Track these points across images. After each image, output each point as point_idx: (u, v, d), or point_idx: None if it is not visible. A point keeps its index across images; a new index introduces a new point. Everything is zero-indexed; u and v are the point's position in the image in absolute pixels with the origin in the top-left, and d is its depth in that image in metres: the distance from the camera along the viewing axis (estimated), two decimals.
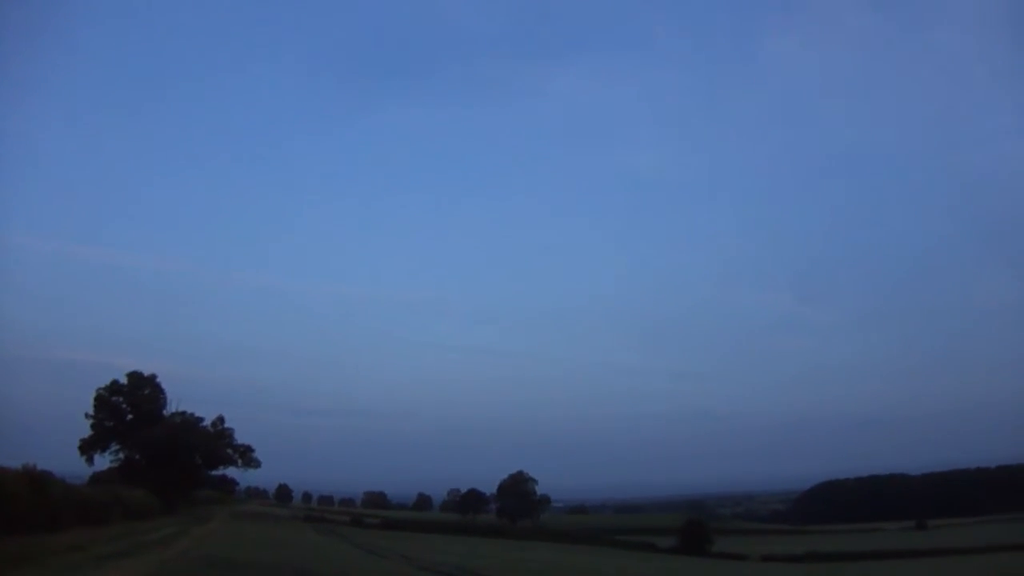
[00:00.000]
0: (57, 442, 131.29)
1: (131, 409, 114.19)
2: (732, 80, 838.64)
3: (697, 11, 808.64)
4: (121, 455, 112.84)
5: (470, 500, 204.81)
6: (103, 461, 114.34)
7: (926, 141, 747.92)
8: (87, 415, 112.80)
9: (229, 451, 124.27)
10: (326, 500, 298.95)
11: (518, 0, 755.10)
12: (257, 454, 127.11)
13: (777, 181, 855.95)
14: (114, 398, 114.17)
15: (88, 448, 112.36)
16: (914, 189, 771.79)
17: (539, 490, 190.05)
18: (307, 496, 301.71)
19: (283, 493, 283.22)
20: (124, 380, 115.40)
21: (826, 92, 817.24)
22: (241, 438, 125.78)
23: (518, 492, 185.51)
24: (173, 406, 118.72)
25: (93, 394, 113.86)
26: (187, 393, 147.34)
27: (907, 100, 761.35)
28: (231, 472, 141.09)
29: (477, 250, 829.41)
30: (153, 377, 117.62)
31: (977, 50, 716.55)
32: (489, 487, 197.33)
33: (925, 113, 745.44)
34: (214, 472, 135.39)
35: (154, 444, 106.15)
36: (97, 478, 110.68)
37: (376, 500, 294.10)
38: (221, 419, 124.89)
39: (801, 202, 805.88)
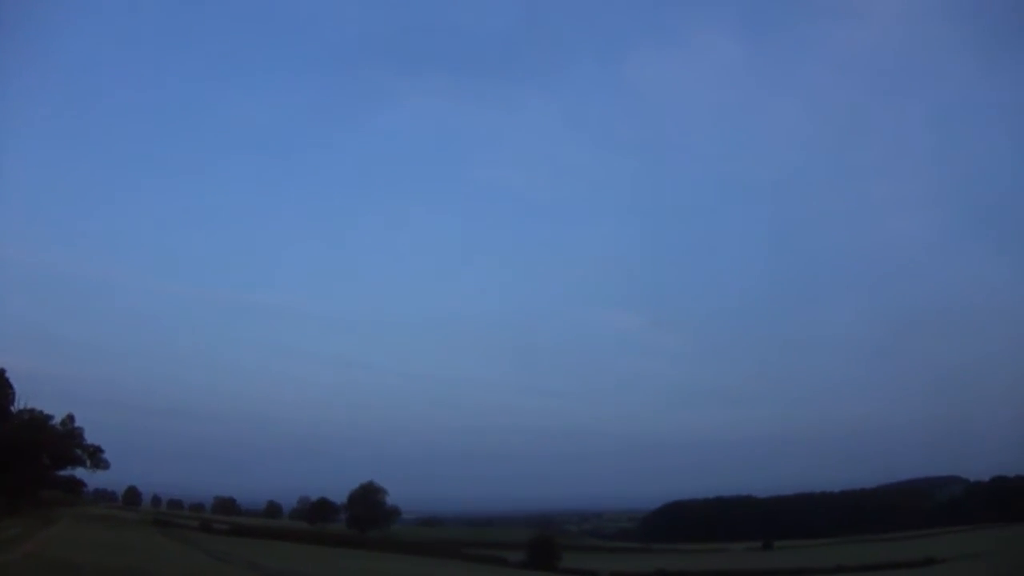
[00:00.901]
0: None
1: None
2: (600, 104, 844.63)
3: (565, 34, 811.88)
4: None
5: (320, 509, 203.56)
6: None
7: (787, 174, 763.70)
8: None
9: (78, 451, 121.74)
10: (176, 504, 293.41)
11: (386, 12, 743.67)
12: (107, 455, 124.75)
13: (641, 205, 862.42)
14: None
15: None
16: (768, 223, 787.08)
17: (390, 501, 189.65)
18: (156, 499, 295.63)
19: (132, 496, 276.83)
20: None
21: (695, 120, 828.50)
22: (91, 438, 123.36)
23: (368, 502, 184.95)
24: (21, 403, 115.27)
25: None
26: (36, 390, 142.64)
27: (773, 133, 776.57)
28: (79, 473, 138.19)
29: (337, 258, 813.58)
30: (1, 372, 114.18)
31: (844, 88, 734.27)
32: (340, 496, 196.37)
33: (789, 146, 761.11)
34: (62, 472, 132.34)
35: None
36: None
37: (226, 505, 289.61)
38: (71, 418, 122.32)
39: (663, 227, 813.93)
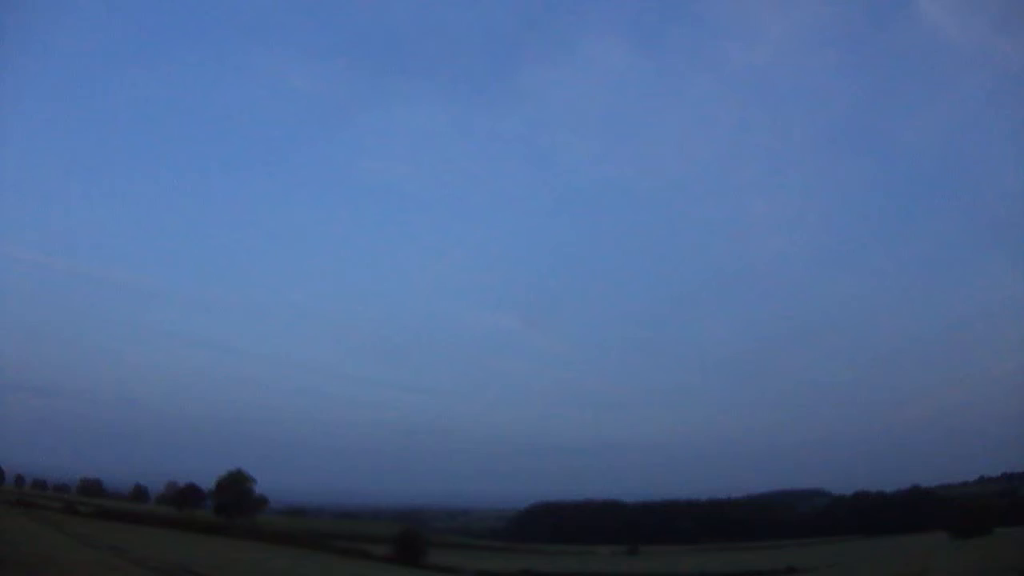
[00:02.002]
0: None
1: None
2: (486, 107, 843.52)
3: (460, 34, 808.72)
4: None
5: (187, 494, 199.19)
6: None
7: (669, 184, 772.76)
8: None
9: None
10: (40, 484, 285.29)
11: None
12: None
13: (517, 206, 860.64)
14: None
15: None
16: (649, 231, 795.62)
17: (258, 489, 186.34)
18: (20, 479, 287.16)
19: None
20: None
21: (581, 125, 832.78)
22: None
23: (235, 490, 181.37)
24: None
25: None
26: None
27: (658, 143, 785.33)
28: None
29: (205, 239, 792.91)
30: None
31: (731, 105, 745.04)
32: (207, 483, 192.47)
33: (674, 157, 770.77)
34: None
35: None
36: None
37: (92, 488, 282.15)
38: None
39: (539, 229, 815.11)
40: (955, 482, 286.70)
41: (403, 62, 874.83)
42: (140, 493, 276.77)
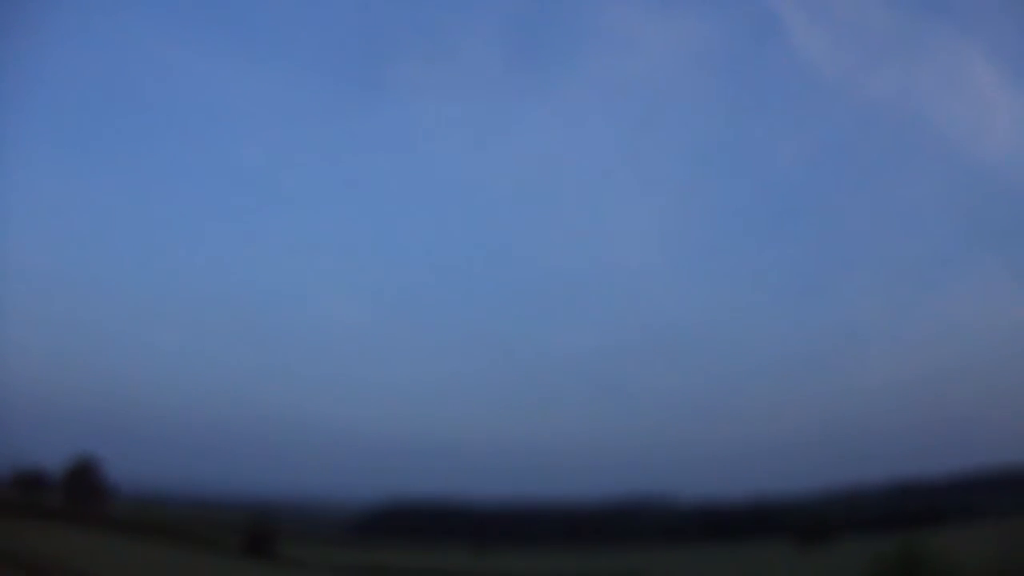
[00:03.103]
0: None
1: None
2: (353, 94, 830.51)
3: (331, 27, 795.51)
4: None
5: (30, 479, 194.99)
6: None
7: (536, 187, 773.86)
8: None
9: None
10: None
11: None
12: None
13: (382, 205, 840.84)
14: None
15: None
16: (510, 233, 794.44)
17: (108, 475, 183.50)
18: None
19: None
20: None
21: (445, 124, 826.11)
22: None
23: (83, 476, 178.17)
24: None
25: None
26: None
27: (522, 146, 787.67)
28: None
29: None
30: None
31: (603, 110, 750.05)
32: (56, 466, 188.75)
33: (536, 161, 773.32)
34: None
35: None
36: None
37: None
38: None
39: (398, 221, 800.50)
40: (800, 491, 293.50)
41: (280, 49, 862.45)
42: None
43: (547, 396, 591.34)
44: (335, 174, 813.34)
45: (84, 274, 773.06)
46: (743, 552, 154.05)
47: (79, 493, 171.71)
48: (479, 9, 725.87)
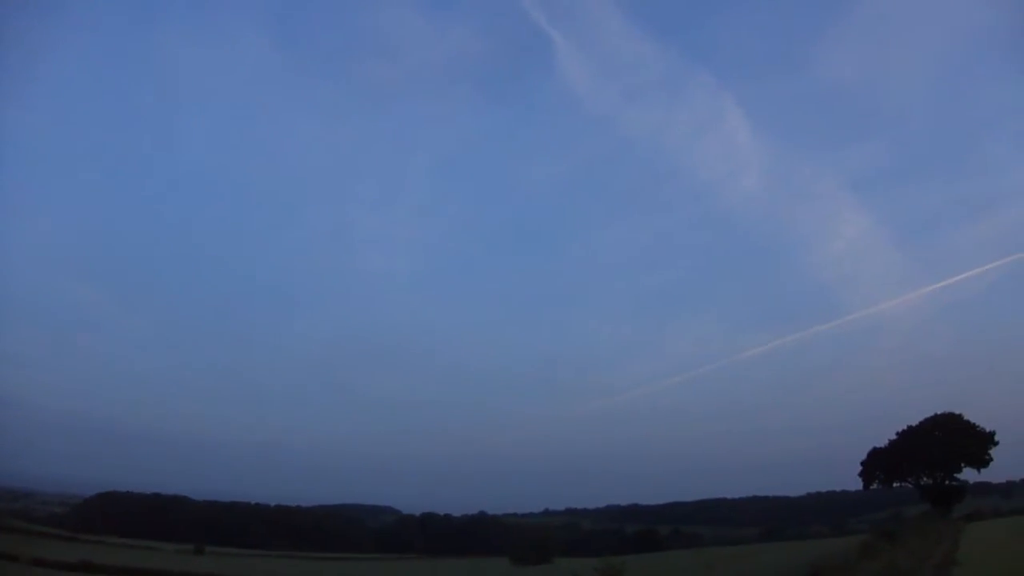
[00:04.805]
0: None
1: None
2: (120, 72, 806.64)
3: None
4: None
5: None
6: None
7: (286, 185, 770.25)
8: None
9: None
10: None
11: None
12: None
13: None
14: None
15: None
16: (254, 228, 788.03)
17: None
18: None
19: None
20: None
21: (222, 114, 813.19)
22: None
23: None
24: None
25: None
26: None
27: (287, 142, 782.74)
28: None
29: None
30: None
31: (362, 116, 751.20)
32: None
33: (302, 159, 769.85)
34: None
35: None
36: None
37: None
38: None
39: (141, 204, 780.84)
40: (521, 512, 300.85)
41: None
42: None
43: (276, 395, 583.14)
44: None
45: None
46: (462, 567, 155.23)
47: None
48: None
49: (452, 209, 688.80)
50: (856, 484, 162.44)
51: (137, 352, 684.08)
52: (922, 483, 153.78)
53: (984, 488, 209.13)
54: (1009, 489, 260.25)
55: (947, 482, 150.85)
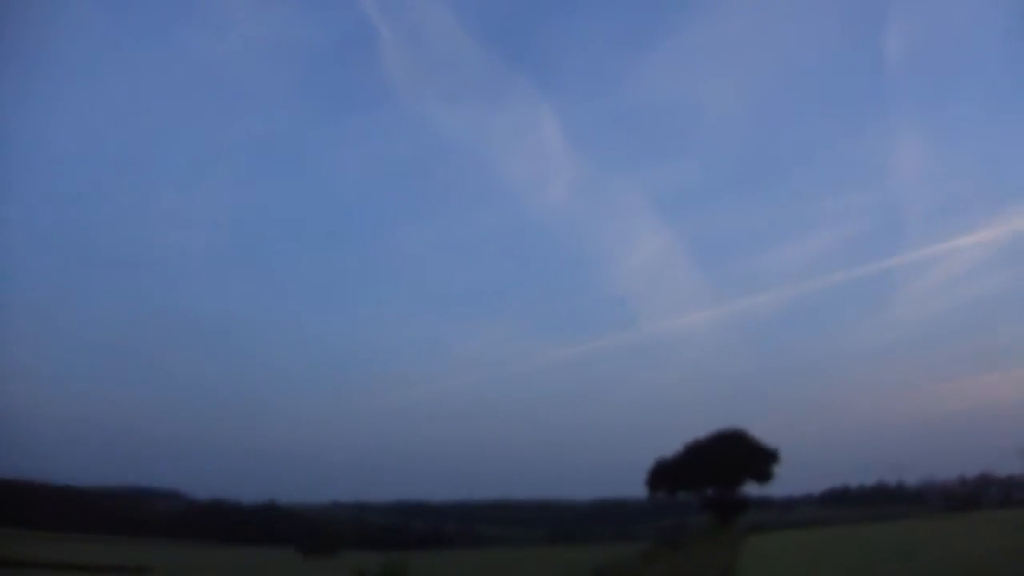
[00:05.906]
0: None
1: None
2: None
3: None
4: None
5: None
6: None
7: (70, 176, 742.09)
8: None
9: None
10: None
11: None
12: None
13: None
14: None
15: None
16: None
17: None
18: None
19: None
20: None
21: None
22: None
23: None
24: None
25: None
26: None
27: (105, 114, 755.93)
28: None
29: None
30: None
31: (167, 89, 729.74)
32: None
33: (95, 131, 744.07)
34: None
35: None
36: None
37: None
38: None
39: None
40: (309, 502, 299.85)
41: None
42: None
43: (79, 369, 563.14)
44: None
45: None
46: (252, 555, 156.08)
47: None
48: None
49: (260, 190, 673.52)
50: (642, 492, 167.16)
51: None
52: (706, 494, 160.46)
53: (766, 502, 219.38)
54: (789, 504, 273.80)
55: (730, 495, 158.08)
